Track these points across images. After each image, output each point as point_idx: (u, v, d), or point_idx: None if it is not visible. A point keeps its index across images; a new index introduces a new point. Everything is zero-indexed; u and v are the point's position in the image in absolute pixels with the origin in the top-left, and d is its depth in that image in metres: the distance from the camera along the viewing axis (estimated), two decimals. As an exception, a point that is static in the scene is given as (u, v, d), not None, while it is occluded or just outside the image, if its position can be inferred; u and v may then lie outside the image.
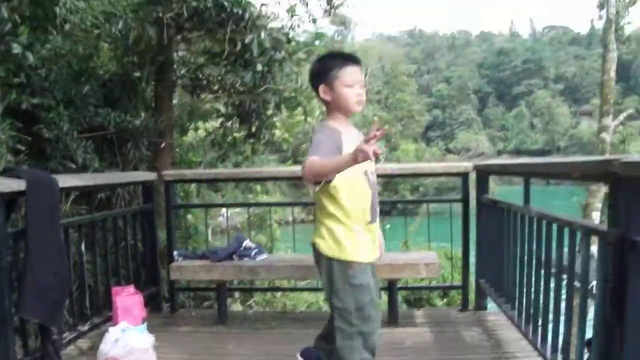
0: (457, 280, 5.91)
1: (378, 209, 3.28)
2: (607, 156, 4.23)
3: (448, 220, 5.94)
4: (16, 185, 3.50)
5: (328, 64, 3.16)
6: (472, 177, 5.53)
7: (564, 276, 3.26)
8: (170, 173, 5.80)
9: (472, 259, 5.58)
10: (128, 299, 4.62)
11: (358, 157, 2.58)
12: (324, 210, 3.14)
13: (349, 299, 3.06)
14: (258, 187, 9.89)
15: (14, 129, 5.28)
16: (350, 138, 3.03)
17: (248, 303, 8.11)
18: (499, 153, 77.94)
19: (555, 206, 3.55)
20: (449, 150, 74.09)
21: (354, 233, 3.10)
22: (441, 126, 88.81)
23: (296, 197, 26.69)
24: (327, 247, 3.12)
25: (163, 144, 6.85)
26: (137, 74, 6.79)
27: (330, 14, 9.61)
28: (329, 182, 3.00)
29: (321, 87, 3.15)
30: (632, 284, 2.28)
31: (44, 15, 5.41)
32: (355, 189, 3.09)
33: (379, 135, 2.52)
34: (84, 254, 4.59)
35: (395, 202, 15.80)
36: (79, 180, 4.58)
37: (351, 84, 3.08)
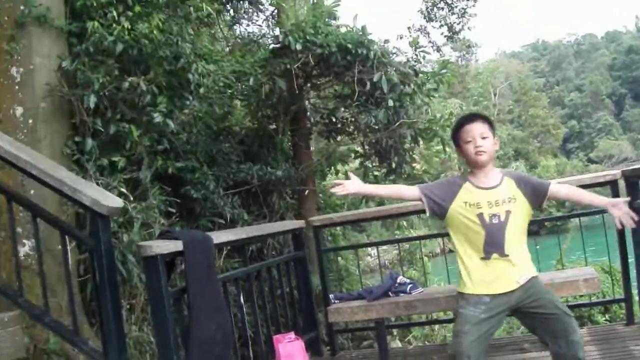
0: (619, 294, 5.60)
1: (503, 246, 3.46)
2: None
3: (601, 234, 5.63)
4: (174, 246, 3.67)
5: (453, 129, 3.72)
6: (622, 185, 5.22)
7: None
8: (317, 218, 5.86)
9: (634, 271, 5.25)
10: (290, 346, 4.66)
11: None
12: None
13: (455, 324, 3.51)
14: (404, 223, 9.81)
15: (164, 193, 5.52)
16: (477, 189, 3.50)
17: (407, 339, 8.00)
18: (644, 156, 74.03)
19: None
20: (590, 160, 71.02)
21: (470, 267, 3.49)
22: (579, 136, 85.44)
23: (442, 228, 26.34)
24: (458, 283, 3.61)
25: (306, 191, 6.94)
26: (273, 126, 6.97)
27: (452, 39, 9.54)
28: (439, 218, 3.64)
29: (457, 150, 3.73)
30: None
31: (179, 82, 5.67)
32: (464, 229, 3.51)
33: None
34: (243, 305, 4.68)
35: (543, 221, 15.11)
36: (232, 235, 4.70)
37: (469, 139, 3.50)
